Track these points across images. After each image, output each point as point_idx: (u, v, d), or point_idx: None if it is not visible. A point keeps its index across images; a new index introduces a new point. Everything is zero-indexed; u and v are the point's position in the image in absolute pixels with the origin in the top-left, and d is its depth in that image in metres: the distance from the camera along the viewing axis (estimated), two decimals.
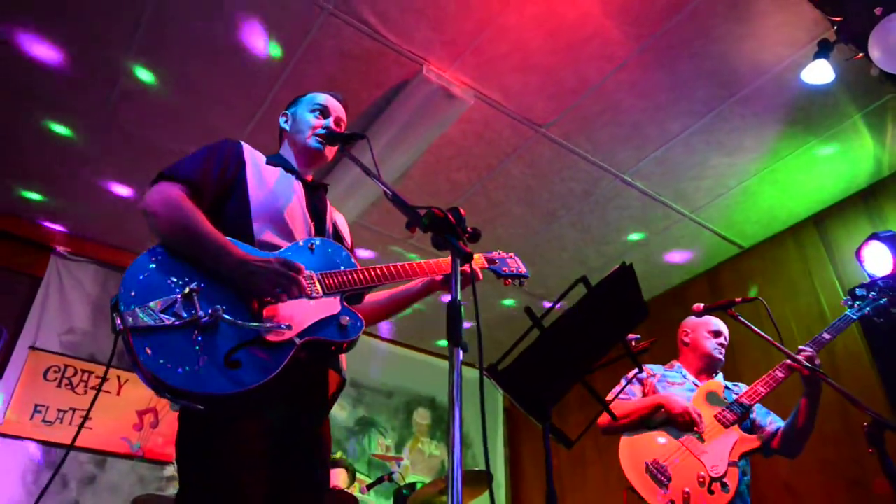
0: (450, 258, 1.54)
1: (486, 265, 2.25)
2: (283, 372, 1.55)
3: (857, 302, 2.92)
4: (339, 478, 4.00)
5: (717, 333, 3.13)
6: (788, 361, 2.75)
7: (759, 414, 2.93)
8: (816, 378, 2.69)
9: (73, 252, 4.76)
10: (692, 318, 3.20)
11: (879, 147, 3.99)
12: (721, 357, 3.09)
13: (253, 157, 1.98)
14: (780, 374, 2.80)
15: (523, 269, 2.33)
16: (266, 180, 1.92)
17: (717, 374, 3.12)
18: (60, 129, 3.89)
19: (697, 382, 3.03)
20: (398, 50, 3.43)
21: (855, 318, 2.86)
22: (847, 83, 3.53)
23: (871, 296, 2.92)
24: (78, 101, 3.70)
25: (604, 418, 2.90)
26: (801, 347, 2.76)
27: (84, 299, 4.69)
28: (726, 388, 3.01)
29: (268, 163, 2.01)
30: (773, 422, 2.90)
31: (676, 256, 5.06)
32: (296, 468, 1.70)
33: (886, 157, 4.06)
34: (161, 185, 1.76)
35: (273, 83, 3.62)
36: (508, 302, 5.55)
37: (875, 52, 2.96)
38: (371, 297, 2.16)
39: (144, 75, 3.56)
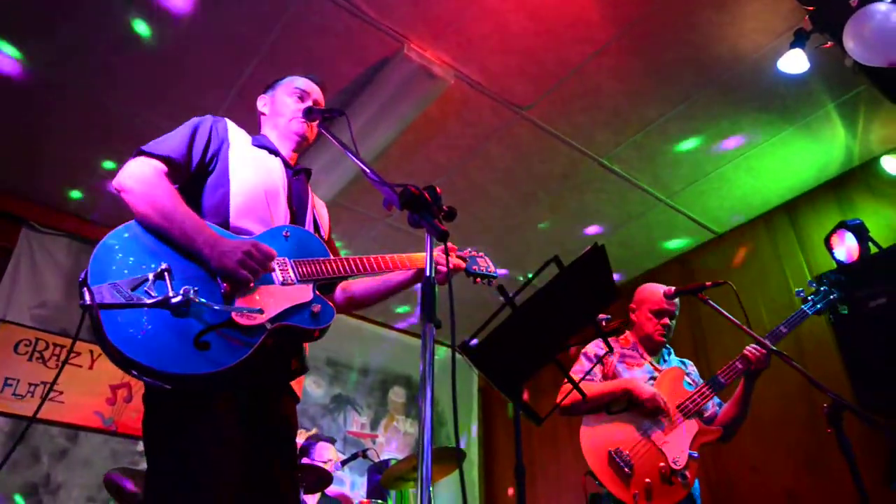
0: (423, 255, 1.55)
1: (461, 265, 2.23)
2: (251, 356, 1.55)
3: (812, 296, 2.93)
4: (329, 453, 4.05)
5: (660, 314, 2.99)
6: (747, 352, 2.77)
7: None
8: (759, 373, 2.77)
9: (45, 225, 4.69)
10: (645, 288, 3.10)
11: (851, 137, 4.07)
12: (662, 339, 2.98)
13: (238, 137, 1.95)
14: (740, 365, 2.79)
15: (493, 269, 2.35)
16: (249, 162, 1.90)
17: (659, 352, 3.06)
18: (28, 95, 3.80)
19: (654, 363, 3.00)
20: (379, 27, 3.41)
21: (810, 313, 2.88)
22: (822, 73, 3.58)
23: (822, 290, 2.94)
24: (51, 72, 3.62)
25: (565, 399, 2.78)
26: (752, 346, 2.77)
27: (56, 273, 4.63)
28: (686, 374, 2.99)
29: (253, 143, 1.99)
30: (713, 404, 2.93)
31: (651, 240, 5.12)
32: (265, 448, 1.71)
33: (857, 147, 4.15)
34: (138, 162, 1.73)
35: (252, 58, 3.57)
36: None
37: (849, 43, 2.99)
38: (350, 286, 2.16)
39: (120, 46, 3.49)
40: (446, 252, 1.64)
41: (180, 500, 1.46)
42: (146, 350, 1.43)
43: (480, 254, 2.36)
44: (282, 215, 1.91)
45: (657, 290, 3.05)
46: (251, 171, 1.88)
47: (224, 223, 1.75)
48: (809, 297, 2.95)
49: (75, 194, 4.59)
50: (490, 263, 2.36)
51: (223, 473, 1.51)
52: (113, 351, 1.42)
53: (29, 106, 3.85)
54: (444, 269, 1.90)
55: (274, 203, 1.89)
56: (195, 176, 1.82)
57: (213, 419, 1.55)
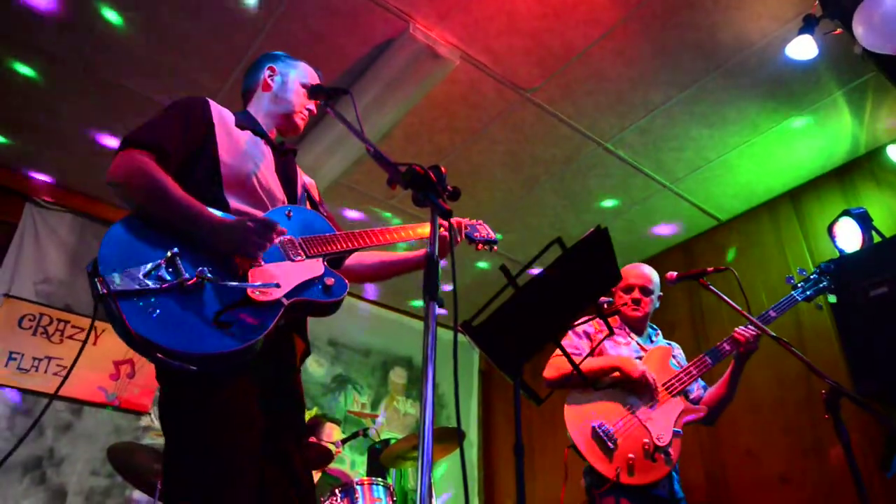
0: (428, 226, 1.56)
1: (465, 229, 2.29)
2: (271, 331, 1.57)
3: (802, 283, 2.98)
4: (336, 434, 4.12)
5: (627, 290, 3.05)
6: (736, 333, 2.81)
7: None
8: (748, 355, 2.80)
9: (49, 200, 4.70)
10: (623, 270, 3.09)
11: (858, 125, 4.05)
12: (635, 314, 3.02)
13: (221, 118, 1.91)
14: (727, 347, 2.83)
15: (493, 235, 2.39)
16: (236, 144, 1.88)
17: (644, 330, 3.09)
18: (33, 73, 3.79)
19: (640, 342, 3.02)
20: (384, 6, 3.38)
21: (799, 299, 2.93)
22: (830, 60, 3.56)
23: (812, 278, 2.98)
24: (53, 46, 3.61)
25: (550, 371, 2.85)
26: (742, 327, 2.80)
27: (60, 248, 4.65)
28: (672, 355, 3.00)
29: (237, 124, 1.95)
30: (698, 387, 2.97)
31: (654, 226, 5.12)
32: (279, 424, 1.73)
33: (864, 135, 4.13)
34: (127, 154, 1.69)
35: (255, 36, 3.55)
36: (483, 264, 5.59)
37: (859, 30, 2.97)
38: (358, 259, 2.17)
39: (121, 21, 3.47)
40: (451, 227, 1.64)
41: (203, 479, 1.48)
42: (168, 333, 1.44)
43: (479, 222, 2.40)
44: (276, 195, 1.91)
45: (628, 269, 3.10)
46: (239, 154, 1.87)
47: (222, 207, 1.74)
48: (799, 284, 2.99)
49: (77, 170, 4.58)
50: (489, 230, 2.40)
51: (244, 450, 1.54)
52: (136, 338, 1.42)
53: (32, 81, 3.84)
54: (448, 235, 1.94)
55: (266, 184, 1.89)
56: (184, 161, 1.79)
57: (231, 397, 1.58)
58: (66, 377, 1.74)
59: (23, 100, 3.97)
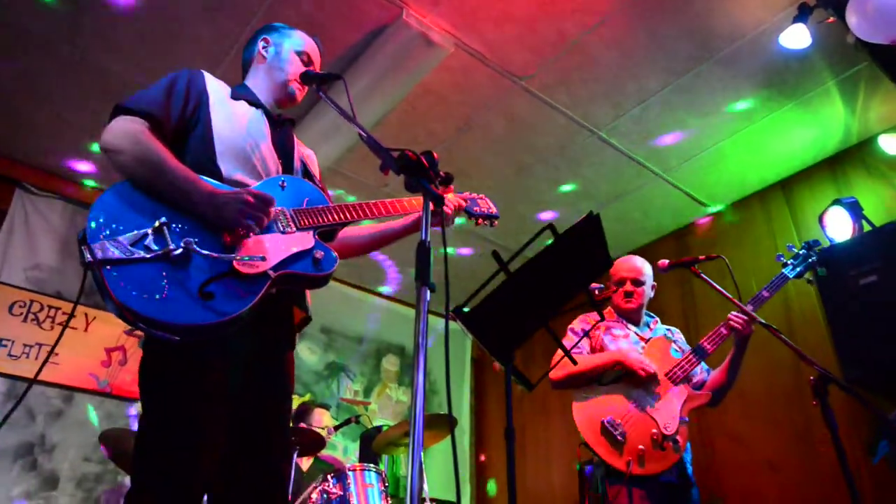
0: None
1: (462, 204, 2.24)
2: (256, 304, 1.56)
3: (791, 260, 3.01)
4: (325, 419, 4.13)
5: (619, 283, 3.11)
6: (731, 318, 2.85)
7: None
8: (746, 339, 2.84)
9: (39, 186, 4.66)
10: (615, 264, 3.16)
11: (850, 115, 4.06)
12: (629, 306, 3.07)
13: (217, 89, 1.91)
14: (724, 331, 2.87)
15: (494, 210, 2.34)
16: (231, 115, 1.88)
17: (640, 319, 3.13)
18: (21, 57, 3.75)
19: (638, 332, 3.07)
20: None
21: (790, 276, 2.96)
22: (824, 49, 3.56)
23: (801, 254, 3.02)
24: (41, 28, 3.57)
25: (556, 372, 2.89)
26: (735, 313, 2.84)
27: (51, 235, 4.62)
28: (673, 342, 3.04)
29: (232, 96, 1.95)
30: (701, 370, 3.01)
31: (647, 215, 5.13)
32: (260, 399, 1.74)
33: (856, 125, 4.14)
34: (120, 120, 1.70)
35: (247, 21, 3.52)
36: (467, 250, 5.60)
37: (852, 19, 2.97)
38: (350, 232, 2.16)
39: (116, 7, 3.43)
40: (440, 207, 1.63)
41: (159, 453, 1.51)
42: (152, 303, 1.44)
43: (480, 195, 2.35)
44: (271, 166, 1.90)
45: (619, 263, 3.16)
46: (234, 124, 1.86)
47: (216, 177, 1.73)
48: (789, 261, 3.01)
49: (66, 155, 4.55)
50: (491, 204, 2.35)
51: (210, 428, 1.54)
52: (119, 306, 1.42)
53: (23, 67, 3.80)
54: (448, 210, 1.93)
55: (261, 154, 1.88)
56: (178, 131, 1.79)
57: (206, 373, 1.58)
58: (46, 358, 1.73)
59: (10, 85, 3.93)
